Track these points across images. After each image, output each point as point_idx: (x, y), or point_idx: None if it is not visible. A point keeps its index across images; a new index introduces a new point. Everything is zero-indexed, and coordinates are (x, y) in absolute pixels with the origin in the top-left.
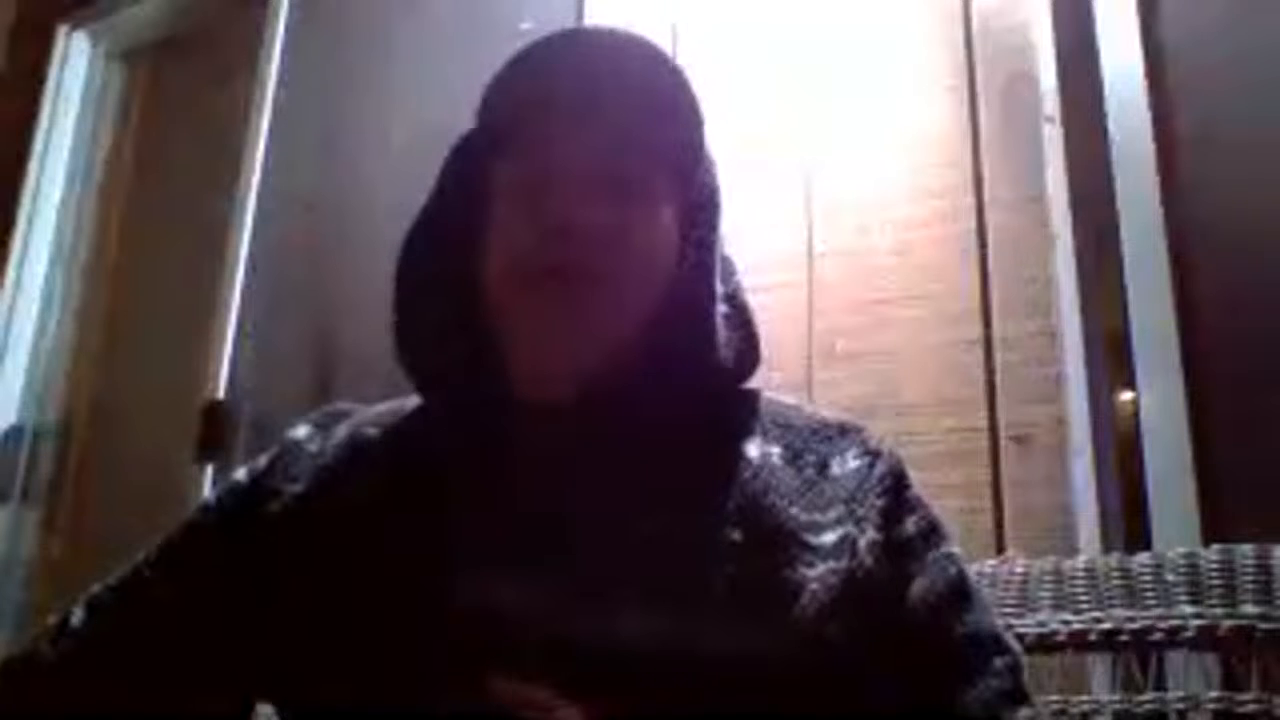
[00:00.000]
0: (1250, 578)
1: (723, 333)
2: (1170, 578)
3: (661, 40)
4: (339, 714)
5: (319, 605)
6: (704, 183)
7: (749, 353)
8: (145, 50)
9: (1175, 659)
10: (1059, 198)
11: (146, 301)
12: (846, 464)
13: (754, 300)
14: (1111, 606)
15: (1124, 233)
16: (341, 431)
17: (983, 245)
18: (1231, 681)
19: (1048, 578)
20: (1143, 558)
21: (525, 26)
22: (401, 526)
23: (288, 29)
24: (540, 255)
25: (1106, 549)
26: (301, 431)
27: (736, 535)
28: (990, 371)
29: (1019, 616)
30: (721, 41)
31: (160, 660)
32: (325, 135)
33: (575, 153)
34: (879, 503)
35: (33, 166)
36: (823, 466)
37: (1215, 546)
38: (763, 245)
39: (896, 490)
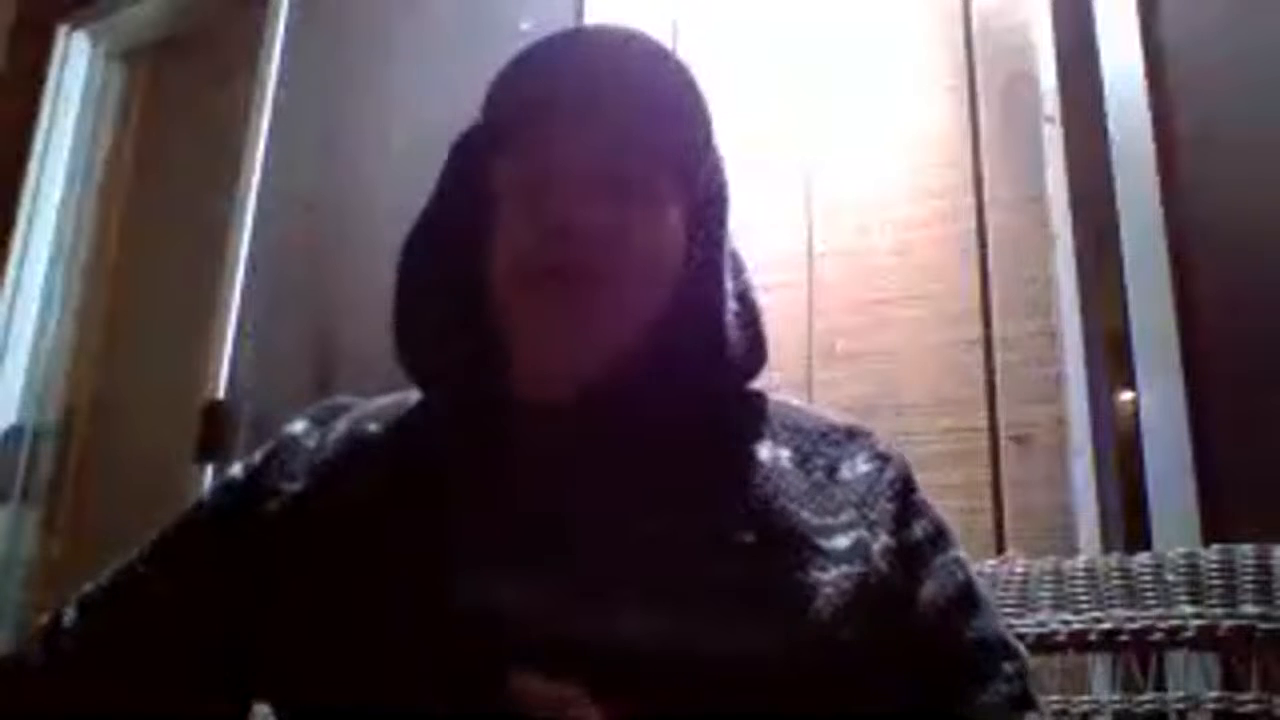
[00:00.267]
0: (1250, 578)
1: (733, 332)
2: (1170, 578)
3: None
4: (336, 714)
5: (317, 605)
6: (712, 180)
7: (756, 351)
8: (145, 50)
9: (1175, 659)
10: (1059, 198)
11: (146, 301)
12: (856, 468)
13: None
14: (1111, 606)
15: (1124, 233)
16: (341, 426)
17: (983, 245)
18: (1231, 681)
19: (1048, 578)
20: (1143, 558)
21: (525, 26)
22: (402, 525)
23: (288, 29)
24: (541, 255)
25: (1106, 549)
26: (299, 427)
27: (747, 537)
28: (990, 371)
29: (1019, 616)
30: (722, 41)
31: (155, 660)
32: (325, 135)
33: (577, 152)
34: (889, 507)
35: (33, 166)
36: (832, 470)
37: (1215, 546)
38: (763, 245)
39: (905, 494)
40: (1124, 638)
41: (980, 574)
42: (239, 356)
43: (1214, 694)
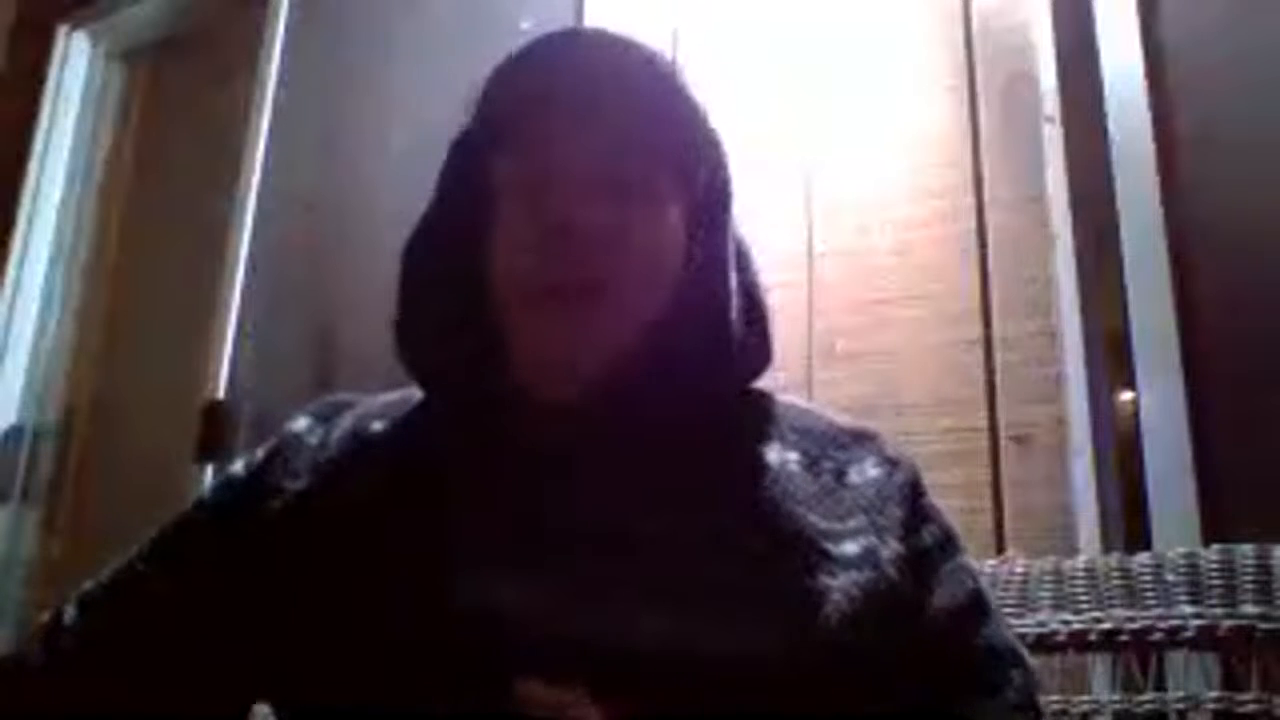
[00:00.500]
0: (1250, 578)
1: (738, 328)
2: (1170, 578)
3: (662, 40)
4: (337, 715)
5: (319, 604)
6: (715, 177)
7: (762, 347)
8: (145, 50)
9: (1175, 659)
10: (1059, 198)
11: (146, 301)
12: (865, 472)
13: None
14: (1111, 606)
15: (1124, 233)
16: (345, 423)
17: (983, 245)
18: (1231, 681)
19: (1048, 578)
20: (1143, 558)
21: (525, 26)
22: (404, 525)
23: (288, 29)
24: (541, 257)
25: (1106, 549)
26: (301, 424)
27: (753, 539)
28: (990, 371)
29: (1019, 616)
30: (722, 41)
31: (155, 660)
32: (325, 135)
33: (575, 152)
34: (899, 513)
35: (33, 166)
36: (840, 474)
37: (1215, 546)
38: (763, 245)
39: (914, 499)
40: (1124, 638)
41: (980, 574)
42: (239, 356)
43: (1214, 694)
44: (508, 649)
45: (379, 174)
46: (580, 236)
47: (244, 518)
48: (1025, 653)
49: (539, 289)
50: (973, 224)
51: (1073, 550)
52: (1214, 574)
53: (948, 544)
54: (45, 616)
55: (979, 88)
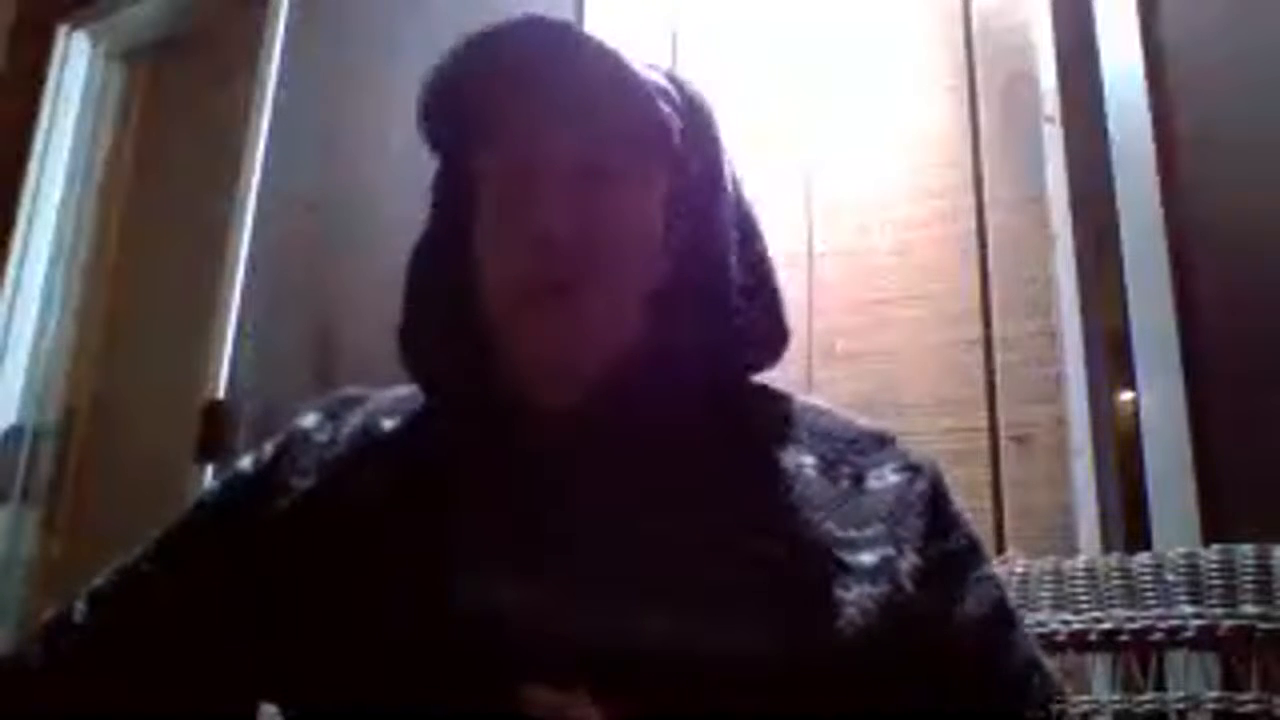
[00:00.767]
0: (1250, 578)
1: (740, 304)
2: (1170, 578)
3: (662, 41)
4: (341, 716)
5: (323, 605)
6: (702, 156)
7: (774, 328)
8: (145, 50)
9: (1175, 659)
10: (1059, 198)
11: (146, 301)
12: (885, 478)
13: None
14: (1111, 606)
15: (1124, 233)
16: (354, 420)
17: (983, 245)
18: (1231, 681)
19: (1048, 578)
20: (1143, 558)
21: None
22: (409, 527)
23: (288, 29)
24: (518, 267)
25: (1106, 549)
26: (310, 420)
27: (763, 544)
28: (990, 371)
29: None
30: (722, 41)
31: (160, 659)
32: (325, 135)
33: (532, 150)
34: (919, 523)
35: (33, 166)
36: (859, 479)
37: (1215, 546)
38: None
39: (937, 507)
40: (1124, 638)
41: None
42: (239, 356)
43: (1214, 694)
44: (509, 651)
45: (379, 174)
46: (551, 237)
47: (251, 516)
48: (1051, 667)
49: (519, 294)
50: (973, 224)
51: (1073, 550)
52: (1214, 574)
53: (973, 552)
54: (50, 614)
55: (979, 88)
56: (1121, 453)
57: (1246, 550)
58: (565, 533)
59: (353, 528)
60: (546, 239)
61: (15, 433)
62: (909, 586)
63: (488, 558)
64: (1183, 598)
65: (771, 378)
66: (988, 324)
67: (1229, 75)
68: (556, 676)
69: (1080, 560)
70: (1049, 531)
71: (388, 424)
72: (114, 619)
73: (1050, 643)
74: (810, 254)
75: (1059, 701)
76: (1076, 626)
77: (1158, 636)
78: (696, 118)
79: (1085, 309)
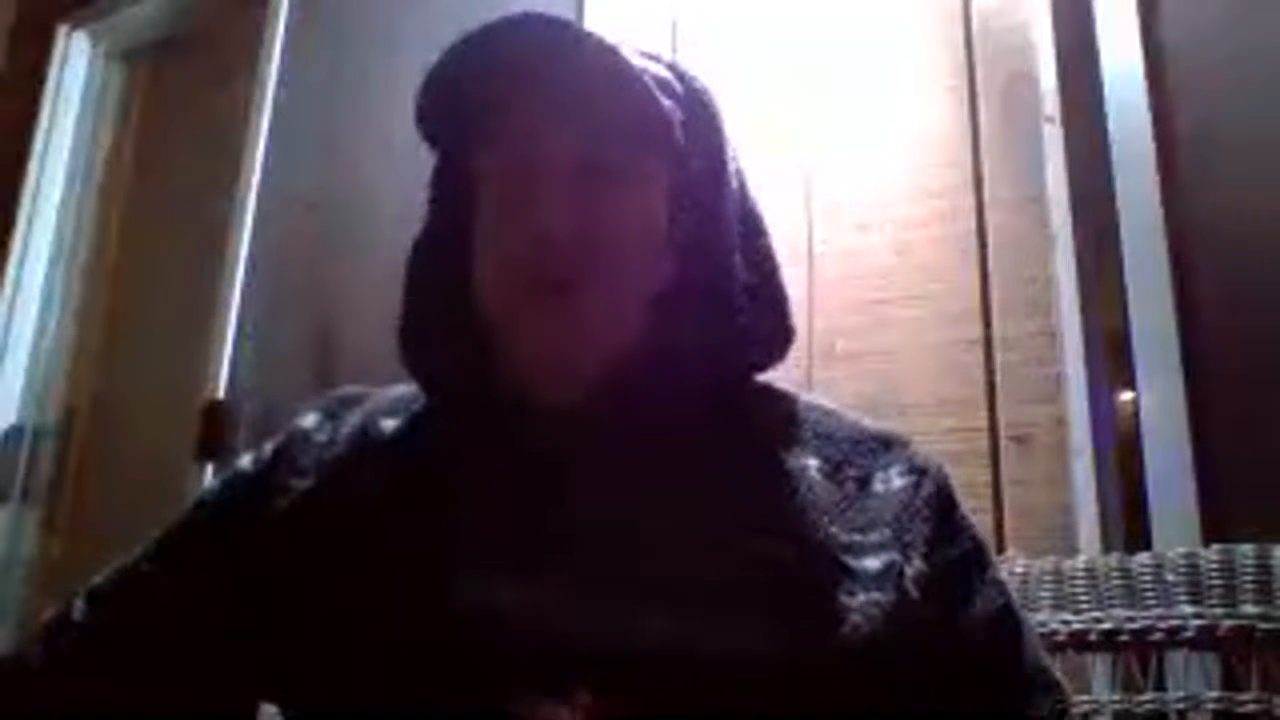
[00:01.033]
0: (1250, 578)
1: (743, 302)
2: (1170, 578)
3: (662, 40)
4: (340, 716)
5: (322, 605)
6: (704, 152)
7: (777, 325)
8: (145, 50)
9: (1175, 659)
10: (1059, 198)
11: (146, 301)
12: (891, 482)
13: None
14: (1111, 606)
15: (1124, 233)
16: (353, 420)
17: (983, 245)
18: (1231, 681)
19: (1048, 578)
20: (1143, 558)
21: None
22: (408, 527)
23: (288, 29)
24: (515, 266)
25: (1106, 549)
26: (310, 420)
27: (765, 547)
28: (990, 371)
29: None
30: (721, 41)
31: (159, 659)
32: (325, 135)
33: (532, 148)
34: (925, 528)
35: (33, 166)
36: (864, 482)
37: (1215, 546)
38: None
39: (944, 511)
40: (1124, 638)
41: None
42: (239, 356)
43: (1214, 694)
44: (509, 651)
45: (379, 174)
46: (550, 236)
47: (251, 516)
48: (1058, 674)
49: (519, 293)
50: (973, 224)
51: (1073, 550)
52: (1214, 574)
53: (980, 558)
54: (49, 615)
55: (979, 88)
56: (1121, 453)
57: (1246, 550)
58: (565, 533)
59: (352, 528)
60: (546, 238)
61: (15, 433)
62: (915, 594)
63: (487, 558)
64: (1183, 598)
65: (772, 378)
66: (988, 324)
67: (1229, 75)
68: (554, 678)
69: (1080, 560)
70: (1049, 531)
71: (387, 423)
72: (114, 619)
73: (1050, 643)
74: (810, 254)
75: (1065, 708)
76: (1076, 626)
77: (1158, 636)
78: (699, 111)
79: (1085, 309)
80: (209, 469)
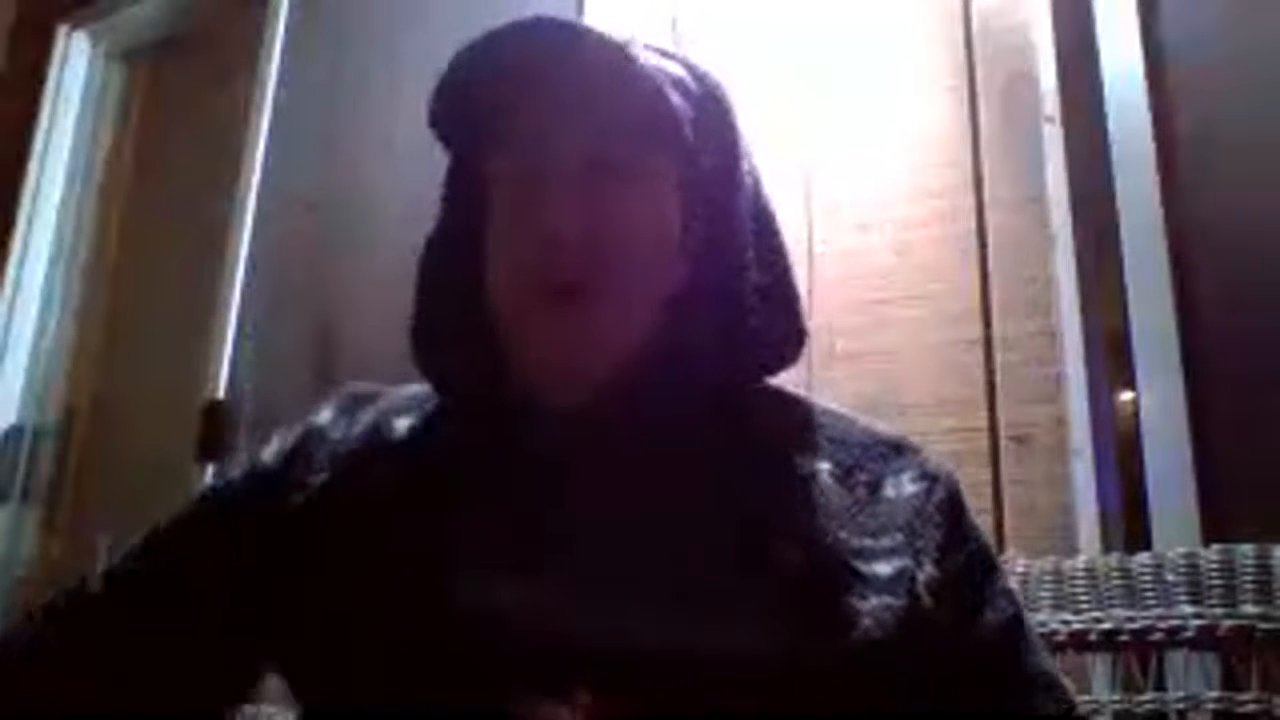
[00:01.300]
0: (1250, 578)
1: (754, 304)
2: (1170, 578)
3: (662, 40)
4: (340, 715)
5: (329, 603)
6: (716, 152)
7: (790, 328)
8: (145, 50)
9: (1175, 659)
10: (1059, 198)
11: (146, 301)
12: (902, 487)
13: None
14: (1111, 606)
15: (1124, 233)
16: (367, 418)
17: (983, 245)
18: (1231, 681)
19: (1048, 578)
20: (1143, 558)
21: None
22: (414, 527)
23: (288, 29)
24: (526, 269)
25: (1106, 549)
26: (325, 416)
27: (774, 547)
28: (990, 371)
29: None
30: (721, 41)
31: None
32: (325, 135)
33: (543, 150)
34: (937, 534)
35: (33, 166)
36: (875, 487)
37: (1215, 546)
38: None
39: (955, 517)
40: (1124, 638)
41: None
42: (239, 356)
43: (1214, 694)
44: (509, 652)
45: (379, 174)
46: (559, 239)
47: (265, 511)
48: (1066, 682)
49: (528, 296)
50: (973, 224)
51: (1073, 550)
52: (1214, 574)
53: (988, 565)
54: (56, 597)
55: (979, 88)
56: (1121, 453)
57: (1246, 550)
58: (569, 534)
59: (359, 525)
60: (555, 240)
61: (15, 433)
62: (927, 600)
63: (489, 558)
64: (1183, 598)
65: (774, 379)
66: (988, 324)
67: (1229, 75)
68: (556, 680)
69: (1080, 560)
70: (1049, 531)
71: (400, 423)
72: (111, 613)
73: (1050, 643)
74: (810, 254)
75: (1071, 708)
76: (1076, 626)
77: (1158, 636)
78: (711, 107)
79: (1085, 309)
80: (209, 469)
